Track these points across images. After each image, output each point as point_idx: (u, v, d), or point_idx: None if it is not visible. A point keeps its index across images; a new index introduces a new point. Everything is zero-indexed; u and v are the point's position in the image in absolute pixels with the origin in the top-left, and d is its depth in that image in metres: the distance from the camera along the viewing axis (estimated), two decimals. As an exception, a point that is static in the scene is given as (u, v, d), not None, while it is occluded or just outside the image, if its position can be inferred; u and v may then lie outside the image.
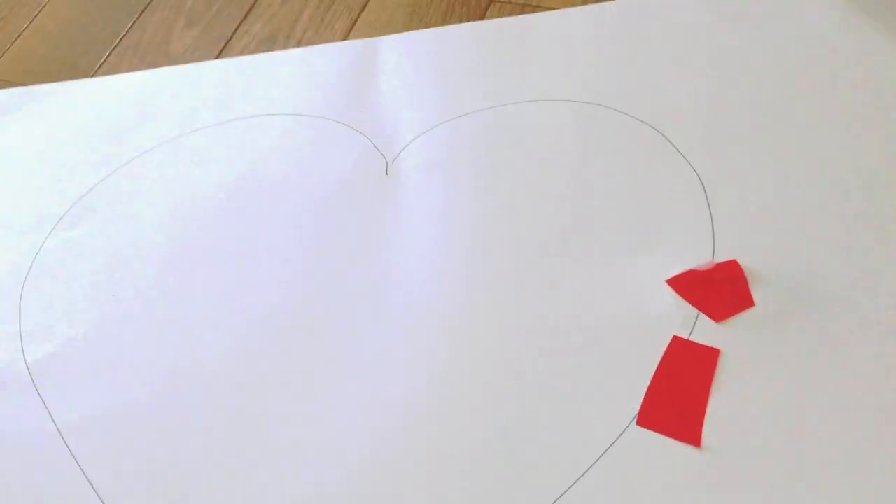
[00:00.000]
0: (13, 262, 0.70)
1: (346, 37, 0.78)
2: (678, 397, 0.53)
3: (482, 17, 0.77)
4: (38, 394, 0.62)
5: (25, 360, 0.64)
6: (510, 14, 0.76)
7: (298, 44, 0.79)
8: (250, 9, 0.83)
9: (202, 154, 0.74)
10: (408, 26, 0.78)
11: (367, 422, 0.56)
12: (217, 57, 0.80)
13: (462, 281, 0.61)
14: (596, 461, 0.52)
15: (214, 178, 0.72)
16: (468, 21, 0.77)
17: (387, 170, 0.69)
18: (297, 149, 0.72)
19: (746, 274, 0.57)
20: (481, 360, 0.57)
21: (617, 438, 0.52)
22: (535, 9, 0.76)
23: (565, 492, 0.51)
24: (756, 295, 0.56)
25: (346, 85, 0.75)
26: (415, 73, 0.74)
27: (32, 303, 0.67)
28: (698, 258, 0.58)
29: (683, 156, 0.64)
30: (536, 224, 0.63)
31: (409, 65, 0.75)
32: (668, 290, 0.57)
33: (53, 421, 0.60)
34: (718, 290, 0.57)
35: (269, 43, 0.80)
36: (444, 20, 0.77)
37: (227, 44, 0.81)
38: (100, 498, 0.56)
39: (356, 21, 0.79)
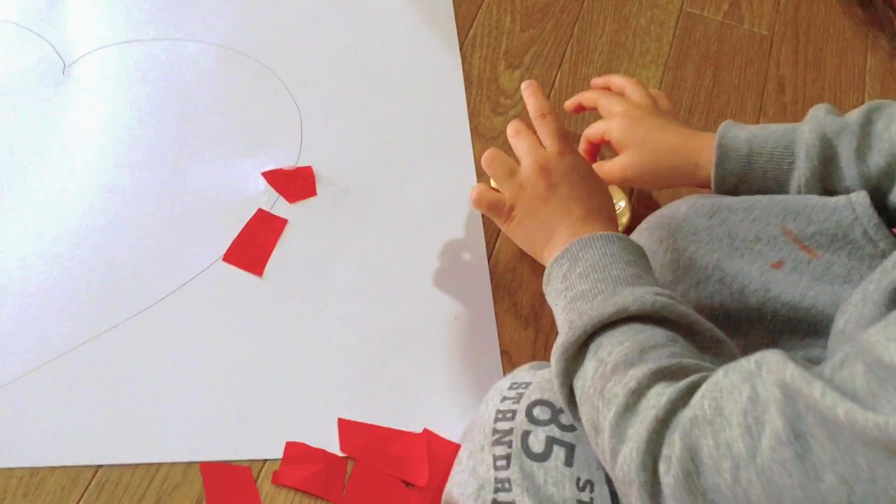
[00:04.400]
0: None
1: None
2: (255, 245, 0.79)
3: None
4: None
5: None
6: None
7: (-1, -39, 0.94)
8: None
9: None
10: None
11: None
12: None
13: (114, 155, 0.83)
14: (193, 278, 0.77)
15: None
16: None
17: (63, 71, 0.88)
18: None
19: (317, 175, 0.84)
20: (122, 208, 0.80)
21: (210, 266, 0.77)
22: (205, -26, 0.98)
23: (172, 292, 0.75)
24: (320, 189, 0.84)
25: (37, 1, 0.92)
26: (97, 2, 0.93)
27: None
28: (286, 161, 0.85)
29: (292, 96, 0.90)
30: (182, 128, 0.86)
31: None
32: (262, 179, 0.83)
33: None
34: (294, 183, 0.84)
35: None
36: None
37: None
38: None
39: (54, -47, 0.97)
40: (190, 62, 0.91)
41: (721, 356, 0.54)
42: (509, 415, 0.59)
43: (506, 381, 0.63)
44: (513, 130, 0.71)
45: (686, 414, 0.47)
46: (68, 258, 0.76)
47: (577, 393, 0.54)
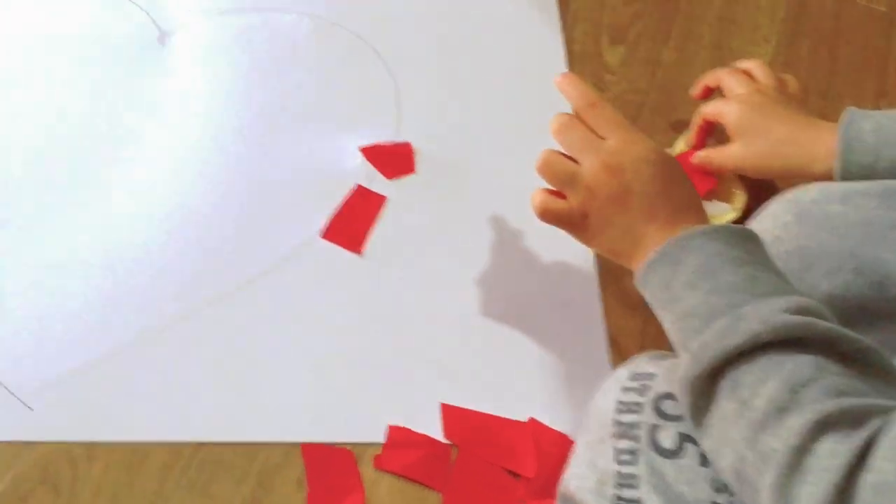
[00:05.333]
0: None
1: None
2: (353, 222, 0.77)
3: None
4: None
5: None
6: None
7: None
8: None
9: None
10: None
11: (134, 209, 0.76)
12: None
13: (210, 126, 0.82)
14: (289, 255, 0.75)
15: (10, 30, 0.86)
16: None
17: (161, 41, 0.86)
18: (85, 11, 0.88)
19: (415, 151, 0.82)
20: (218, 184, 0.78)
21: (307, 242, 0.76)
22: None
23: (267, 270, 0.74)
24: (419, 165, 0.81)
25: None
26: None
27: None
28: (383, 136, 0.83)
29: (388, 70, 0.88)
30: (276, 101, 0.84)
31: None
32: (360, 154, 0.81)
33: None
34: (393, 158, 0.81)
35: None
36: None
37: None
38: None
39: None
40: (286, 33, 0.89)
41: (869, 366, 0.49)
42: (634, 407, 0.55)
43: (624, 371, 0.59)
44: (557, 125, 0.61)
45: (867, 479, 0.42)
46: (164, 232, 0.75)
47: (714, 433, 0.49)
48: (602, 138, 0.60)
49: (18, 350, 0.67)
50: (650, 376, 0.57)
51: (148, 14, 0.88)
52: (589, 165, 0.59)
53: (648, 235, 0.58)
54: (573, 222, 0.61)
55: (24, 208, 0.75)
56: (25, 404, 0.64)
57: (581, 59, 0.91)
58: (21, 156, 0.78)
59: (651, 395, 0.56)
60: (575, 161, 0.61)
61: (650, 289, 0.56)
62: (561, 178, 0.61)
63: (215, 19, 0.89)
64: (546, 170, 0.61)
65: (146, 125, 0.81)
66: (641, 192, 0.58)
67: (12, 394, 0.64)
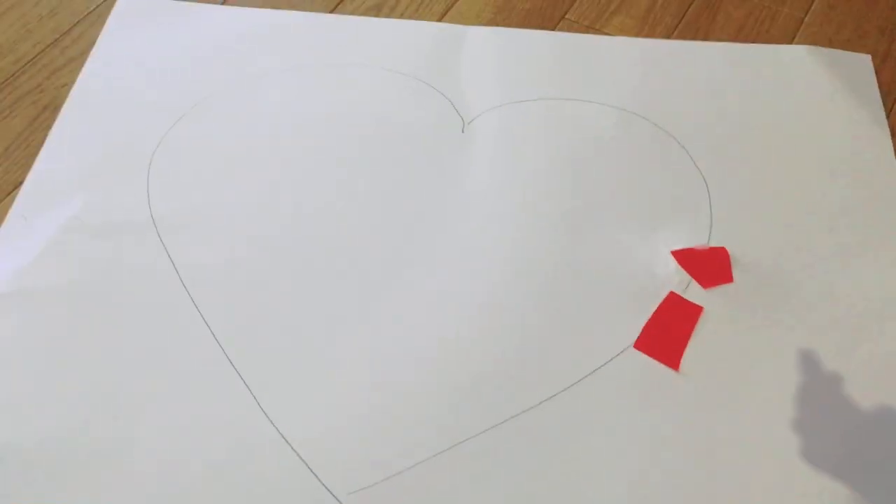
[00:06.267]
0: (144, 136, 0.84)
1: (440, 19, 0.95)
2: (668, 333, 0.71)
3: (553, 30, 0.94)
4: (161, 240, 0.77)
5: (151, 211, 0.78)
6: (576, 31, 0.94)
7: (400, 17, 0.95)
8: (358, -21, 0.99)
9: (307, 89, 0.89)
10: (492, 23, 0.95)
11: (431, 314, 0.73)
12: (331, 12, 0.96)
13: (515, 222, 0.79)
14: (602, 366, 0.70)
15: (319, 108, 0.88)
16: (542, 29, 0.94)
17: (463, 128, 0.86)
18: (390, 97, 0.89)
19: (731, 258, 0.76)
20: (525, 284, 0.75)
21: (619, 353, 0.70)
22: (597, 31, 0.94)
23: (579, 381, 0.69)
24: (736, 275, 0.75)
25: (437, 56, 0.92)
26: (494, 59, 0.92)
27: (160, 171, 0.82)
28: (698, 240, 0.77)
29: (697, 167, 0.82)
30: (579, 195, 0.81)
31: (491, 52, 0.92)
32: (672, 259, 0.76)
33: (173, 263, 0.75)
34: (709, 265, 0.75)
35: (375, 10, 0.96)
36: (523, 25, 0.94)
37: (339, 4, 0.97)
38: (212, 332, 0.71)
39: (449, 9, 0.96)
40: (589, 124, 0.86)
41: None
42: None
43: None
44: None
45: None
46: (473, 337, 0.72)
47: None
48: None
49: (340, 450, 0.66)
50: None
51: (451, 101, 0.88)
52: None
53: None
54: None
55: (335, 297, 0.75)
56: (344, 506, 0.63)
57: (913, 163, 0.83)
58: (328, 241, 0.78)
59: None
60: None
61: None
62: None
63: (517, 108, 0.88)
64: None
65: (448, 213, 0.80)
66: None
67: (333, 496, 0.63)
